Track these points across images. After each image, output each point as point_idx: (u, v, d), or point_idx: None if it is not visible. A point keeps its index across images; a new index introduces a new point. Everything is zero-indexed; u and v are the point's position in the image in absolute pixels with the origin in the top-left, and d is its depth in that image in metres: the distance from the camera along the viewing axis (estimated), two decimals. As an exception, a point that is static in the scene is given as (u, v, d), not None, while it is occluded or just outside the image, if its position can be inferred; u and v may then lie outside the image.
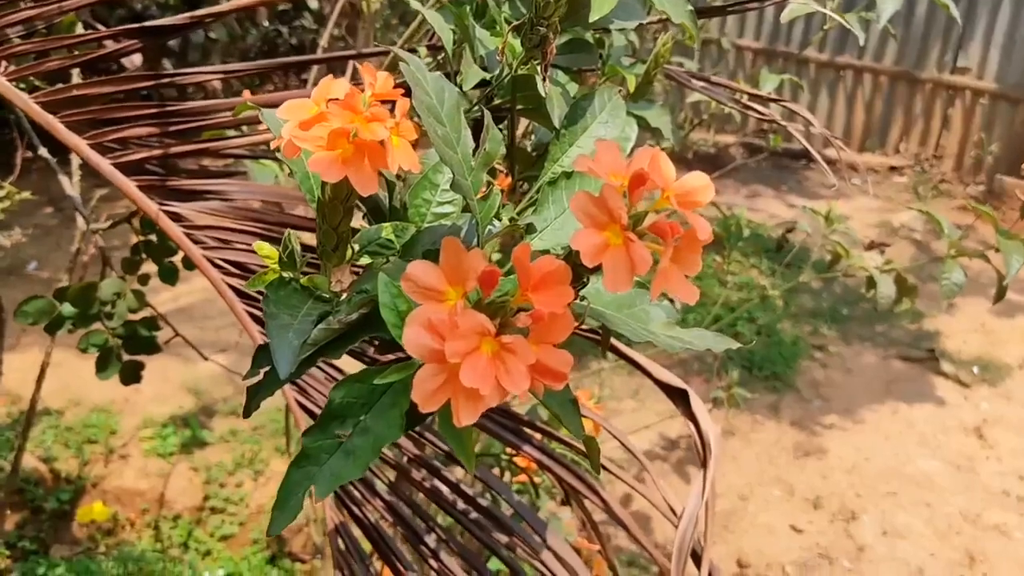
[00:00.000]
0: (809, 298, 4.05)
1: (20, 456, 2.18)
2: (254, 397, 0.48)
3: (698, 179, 0.40)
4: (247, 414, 0.49)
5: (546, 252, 0.56)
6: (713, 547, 0.75)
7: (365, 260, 0.54)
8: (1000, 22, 5.45)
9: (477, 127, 0.64)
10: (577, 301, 0.50)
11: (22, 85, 1.13)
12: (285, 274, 0.49)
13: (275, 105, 1.01)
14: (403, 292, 0.41)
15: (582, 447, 0.95)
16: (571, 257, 0.44)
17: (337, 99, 0.45)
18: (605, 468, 0.88)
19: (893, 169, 5.82)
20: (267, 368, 0.48)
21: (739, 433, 3.09)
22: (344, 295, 0.50)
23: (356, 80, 1.03)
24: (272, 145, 0.49)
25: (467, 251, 0.39)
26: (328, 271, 0.51)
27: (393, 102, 0.48)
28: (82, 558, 2.47)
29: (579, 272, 0.43)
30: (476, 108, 0.72)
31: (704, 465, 0.80)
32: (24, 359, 2.72)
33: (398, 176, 0.60)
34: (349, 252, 0.52)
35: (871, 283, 1.75)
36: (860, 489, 2.89)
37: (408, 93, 0.49)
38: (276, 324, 0.45)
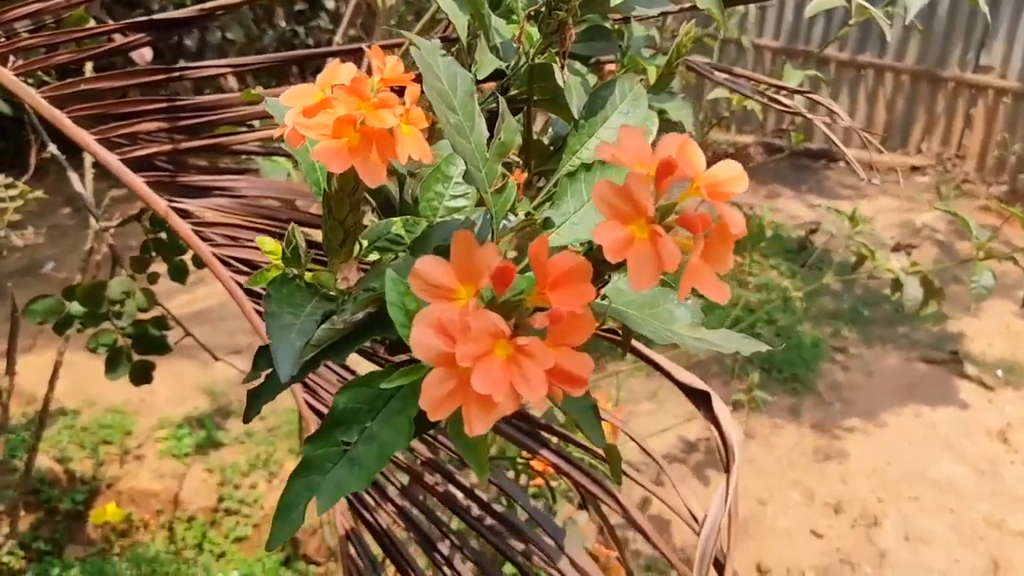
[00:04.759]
0: (829, 299, 4.00)
1: (33, 456, 2.17)
2: (255, 401, 0.45)
3: (729, 168, 0.37)
4: (247, 419, 0.46)
5: (564, 248, 0.53)
6: (736, 543, 0.73)
7: (374, 256, 0.51)
8: (1024, 20, 5.37)
9: (492, 118, 0.61)
10: (597, 300, 0.47)
11: (30, 80, 1.11)
12: (289, 270, 0.47)
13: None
14: (412, 290, 0.38)
15: (602, 453, 0.92)
16: (592, 253, 0.41)
17: (343, 84, 0.42)
18: (624, 473, 0.85)
19: (915, 169, 5.76)
20: (269, 371, 0.45)
21: (758, 436, 3.05)
22: (351, 293, 0.47)
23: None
24: (275, 134, 0.46)
25: (479, 246, 0.36)
26: (334, 267, 0.48)
27: (403, 88, 0.45)
28: (96, 559, 2.46)
29: (600, 269, 0.39)
30: (491, 99, 0.69)
31: (727, 470, 0.77)
32: (40, 360, 2.71)
33: (409, 171, 0.57)
34: (357, 248, 0.49)
35: (896, 285, 1.71)
36: (882, 493, 2.84)
37: (419, 79, 0.46)
38: (277, 324, 0.42)
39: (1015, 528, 2.71)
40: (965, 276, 1.81)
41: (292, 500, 0.40)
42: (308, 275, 0.47)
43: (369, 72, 0.47)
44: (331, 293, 0.46)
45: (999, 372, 3.52)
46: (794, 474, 2.90)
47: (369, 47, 0.44)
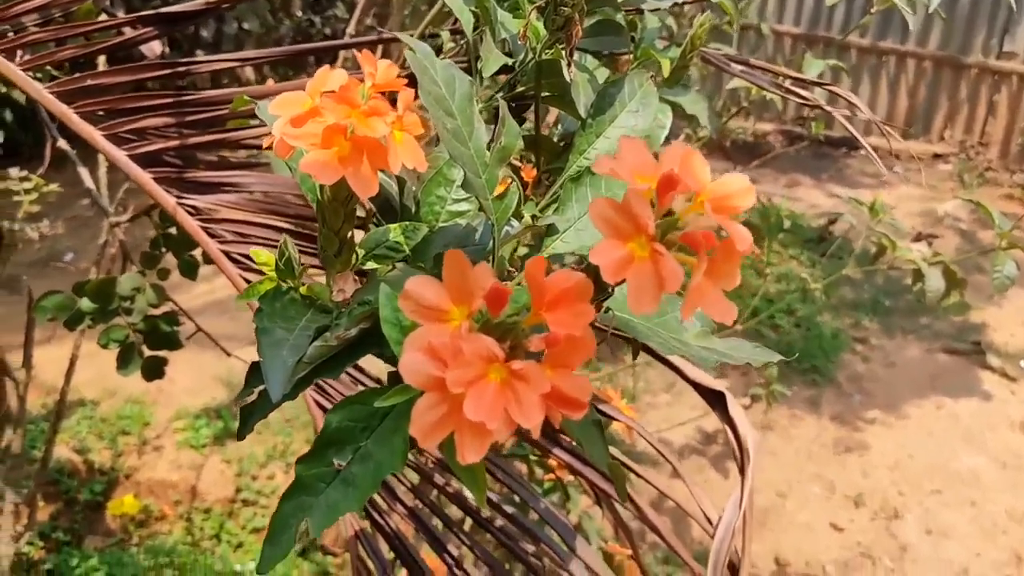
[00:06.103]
0: (850, 289, 3.95)
1: (51, 447, 2.18)
2: (248, 419, 0.44)
3: (737, 181, 0.35)
4: (240, 437, 0.45)
5: (571, 255, 0.52)
6: (750, 546, 0.71)
7: (372, 265, 0.50)
8: (1050, 4, 5.28)
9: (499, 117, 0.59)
10: (601, 313, 0.45)
11: (39, 75, 1.10)
12: (283, 283, 0.45)
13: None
14: (403, 311, 0.37)
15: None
16: (592, 267, 0.39)
17: (332, 91, 0.40)
18: (637, 474, 0.84)
19: (937, 156, 5.68)
20: (262, 388, 0.44)
21: (778, 428, 3.02)
22: (346, 306, 0.45)
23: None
24: (264, 144, 0.44)
25: (473, 266, 0.34)
26: (330, 278, 0.47)
27: (397, 93, 0.44)
28: (115, 550, 2.47)
29: (602, 285, 0.38)
30: (497, 96, 0.67)
31: (742, 473, 0.76)
32: (60, 350, 2.71)
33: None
34: (353, 257, 0.48)
35: (918, 276, 1.68)
36: (903, 486, 2.81)
37: (414, 83, 0.44)
38: (269, 340, 0.41)
39: (1038, 522, 2.68)
40: (988, 265, 1.78)
41: (283, 522, 0.39)
42: (303, 287, 0.45)
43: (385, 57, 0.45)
44: (327, 306, 0.45)
45: (1022, 363, 3.47)
46: (814, 466, 2.87)
47: (359, 51, 0.43)
